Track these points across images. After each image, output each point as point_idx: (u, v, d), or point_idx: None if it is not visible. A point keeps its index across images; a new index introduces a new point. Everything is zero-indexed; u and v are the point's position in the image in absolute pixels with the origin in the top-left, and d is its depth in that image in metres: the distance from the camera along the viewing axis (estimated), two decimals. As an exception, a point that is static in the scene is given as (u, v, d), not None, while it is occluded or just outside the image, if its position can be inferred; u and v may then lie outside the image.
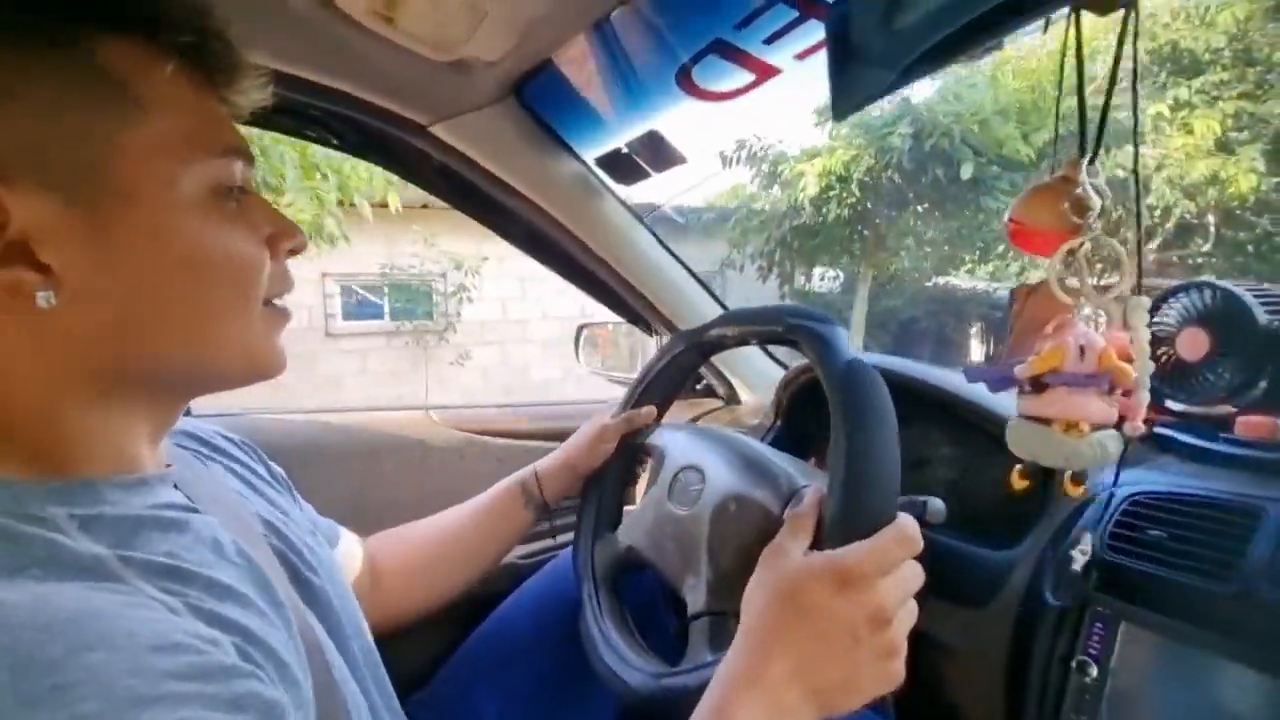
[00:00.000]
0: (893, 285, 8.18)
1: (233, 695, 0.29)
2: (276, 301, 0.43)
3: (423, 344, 6.25)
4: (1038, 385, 0.45)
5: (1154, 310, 0.67)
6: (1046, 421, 0.45)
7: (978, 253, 7.80)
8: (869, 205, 6.50)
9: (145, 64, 0.35)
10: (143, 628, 0.29)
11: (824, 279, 8.55)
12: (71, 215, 0.33)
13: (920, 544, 0.46)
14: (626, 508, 0.78)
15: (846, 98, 0.52)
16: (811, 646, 0.42)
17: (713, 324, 0.76)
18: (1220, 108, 5.57)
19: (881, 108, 6.14)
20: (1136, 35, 0.35)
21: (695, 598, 0.56)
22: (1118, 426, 0.46)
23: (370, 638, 0.55)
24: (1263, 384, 0.57)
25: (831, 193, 6.46)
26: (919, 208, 6.68)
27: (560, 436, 1.07)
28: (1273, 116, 5.54)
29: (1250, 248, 6.36)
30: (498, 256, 6.22)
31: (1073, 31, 0.40)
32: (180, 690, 0.27)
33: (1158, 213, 5.76)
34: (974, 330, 8.69)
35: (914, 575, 0.46)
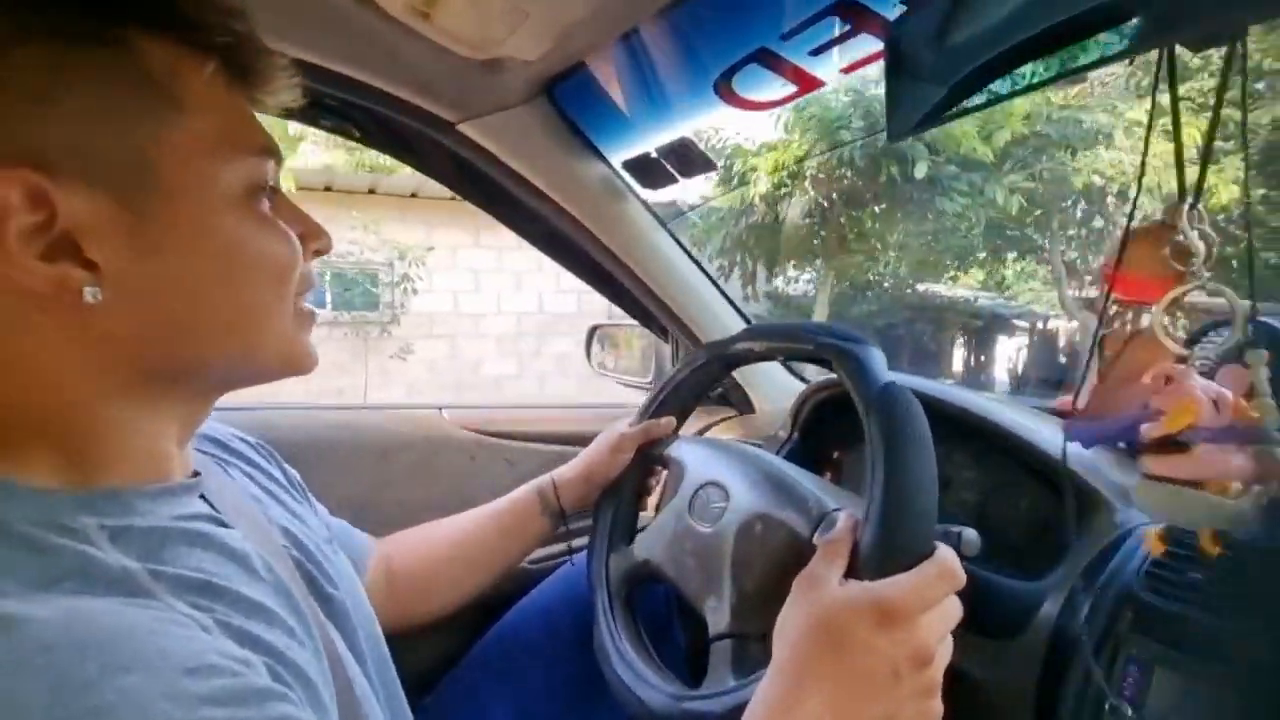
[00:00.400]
0: (872, 291, 8.01)
1: (265, 719, 0.28)
2: (302, 302, 0.43)
3: (363, 335, 6.08)
4: (1168, 445, 0.42)
5: (1192, 343, 0.65)
6: (1192, 483, 0.42)
7: (957, 260, 7.65)
8: (824, 203, 6.13)
9: (185, 65, 0.36)
10: (177, 647, 0.28)
11: (794, 281, 8.30)
12: (117, 212, 0.33)
13: (963, 578, 0.45)
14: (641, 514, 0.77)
15: (903, 116, 0.50)
16: (850, 683, 0.41)
17: (738, 337, 0.74)
18: (1206, 116, 5.47)
19: (839, 98, 5.86)
20: (1245, 75, 0.33)
21: (717, 619, 0.55)
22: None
23: (385, 647, 0.54)
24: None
25: (784, 189, 6.15)
26: (877, 208, 6.40)
27: (572, 440, 1.06)
28: (1260, 126, 5.42)
29: (1235, 263, 6.31)
30: (449, 247, 6.12)
31: (1164, 69, 0.38)
32: (215, 716, 0.27)
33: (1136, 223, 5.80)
34: (952, 339, 8.55)
35: (954, 610, 0.45)
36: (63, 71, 0.32)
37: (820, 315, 7.03)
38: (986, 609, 0.65)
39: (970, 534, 0.57)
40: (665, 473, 0.75)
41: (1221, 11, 0.39)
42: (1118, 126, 5.59)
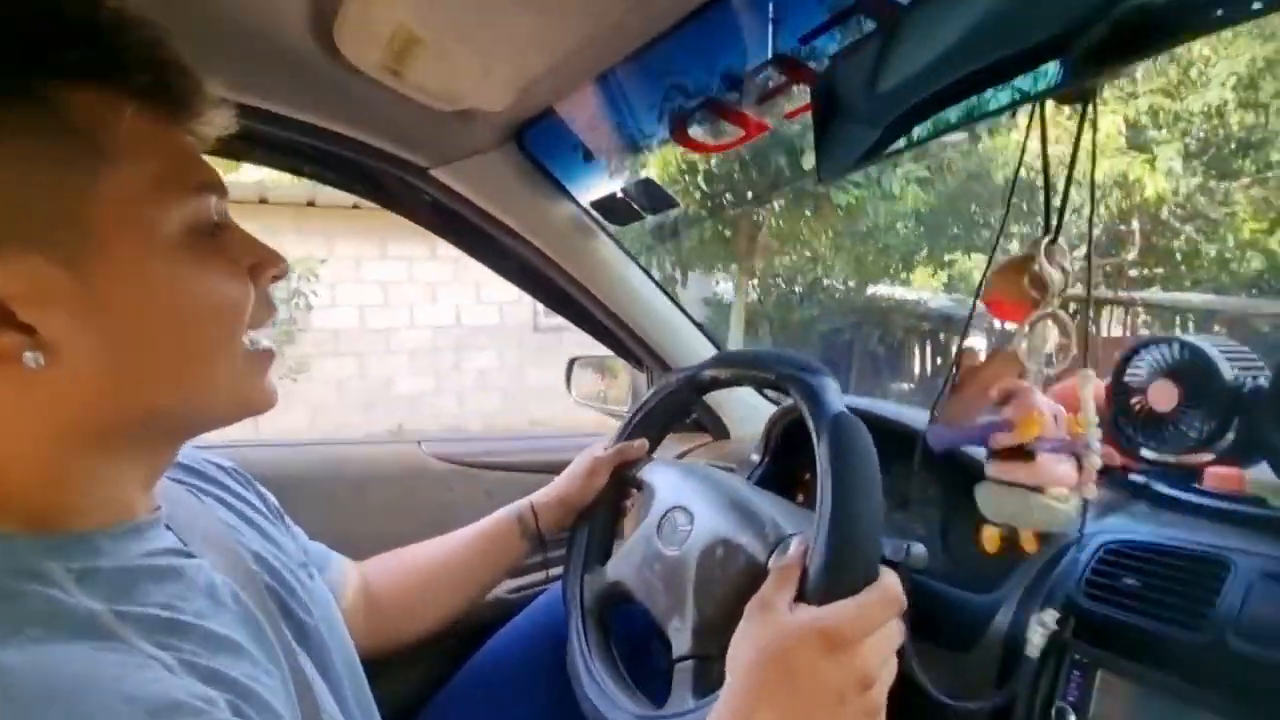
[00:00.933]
0: (817, 295, 7.57)
1: None
2: (263, 340, 0.42)
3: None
4: (1015, 453, 0.47)
5: (1126, 361, 0.69)
6: (1030, 487, 0.47)
7: (900, 260, 7.31)
8: (722, 200, 5.56)
9: (105, 110, 0.35)
10: (141, 691, 0.29)
11: (719, 283, 7.75)
12: (52, 273, 0.33)
13: (904, 603, 0.47)
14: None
15: (833, 159, 0.55)
16: (797, 706, 0.42)
17: (707, 364, 0.78)
18: (1135, 105, 5.26)
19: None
20: (1095, 128, 0.38)
21: (680, 641, 0.57)
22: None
23: (361, 673, 0.55)
24: (1231, 436, 0.59)
25: (677, 186, 5.40)
26: (778, 204, 5.85)
27: (551, 469, 1.07)
28: (1192, 115, 5.26)
29: (1178, 256, 6.15)
30: (352, 259, 5.65)
31: (1037, 120, 0.43)
32: None
33: (1070, 214, 5.50)
34: (901, 344, 8.04)
35: (896, 633, 0.47)
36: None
37: (736, 323, 6.52)
38: (943, 622, 0.68)
39: (918, 549, 0.60)
40: (639, 494, 0.77)
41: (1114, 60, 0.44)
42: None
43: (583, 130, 0.82)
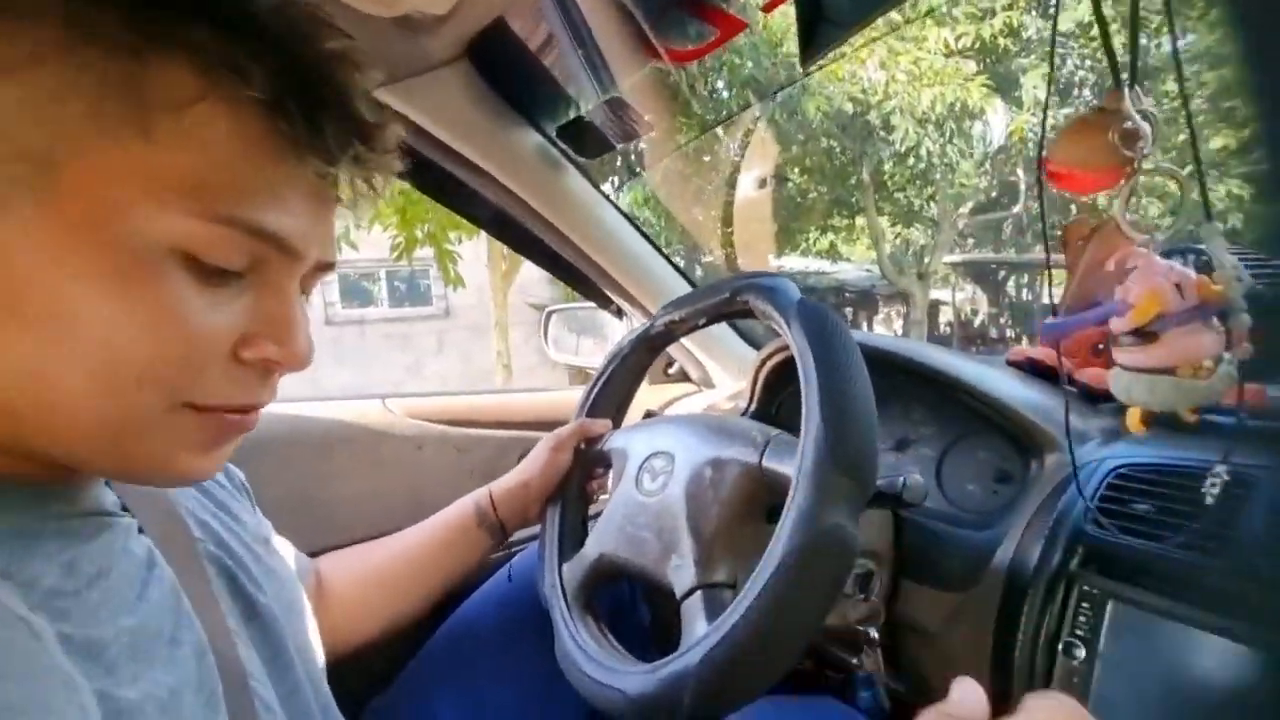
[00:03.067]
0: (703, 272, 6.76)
1: None
2: (229, 414, 0.34)
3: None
4: (1143, 334, 0.41)
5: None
6: (1165, 370, 0.41)
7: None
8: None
9: (195, 97, 0.29)
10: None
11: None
12: None
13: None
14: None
15: (814, 43, 0.48)
16: None
17: (658, 315, 0.73)
18: (991, 24, 4.65)
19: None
20: None
21: (682, 577, 0.53)
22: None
23: (319, 658, 0.51)
24: (1249, 348, 0.55)
25: None
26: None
27: (521, 425, 1.03)
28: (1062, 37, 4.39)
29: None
30: None
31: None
32: None
33: (908, 155, 4.68)
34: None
35: None
36: (44, 56, 0.28)
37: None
38: (942, 561, 0.64)
39: (916, 479, 0.56)
40: (607, 474, 0.73)
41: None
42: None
43: (537, 43, 0.74)
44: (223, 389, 0.33)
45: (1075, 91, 5.17)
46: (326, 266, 0.36)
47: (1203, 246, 0.59)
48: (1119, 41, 0.42)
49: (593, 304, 1.15)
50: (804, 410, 0.49)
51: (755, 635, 0.43)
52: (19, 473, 0.32)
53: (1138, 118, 0.38)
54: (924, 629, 0.64)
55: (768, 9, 0.57)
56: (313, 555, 0.66)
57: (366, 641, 0.64)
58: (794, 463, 0.49)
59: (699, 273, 6.04)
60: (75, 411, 0.30)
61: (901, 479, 0.55)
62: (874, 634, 0.65)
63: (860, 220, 6.40)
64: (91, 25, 0.28)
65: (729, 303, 0.65)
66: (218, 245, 0.31)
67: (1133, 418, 0.45)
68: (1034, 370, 0.77)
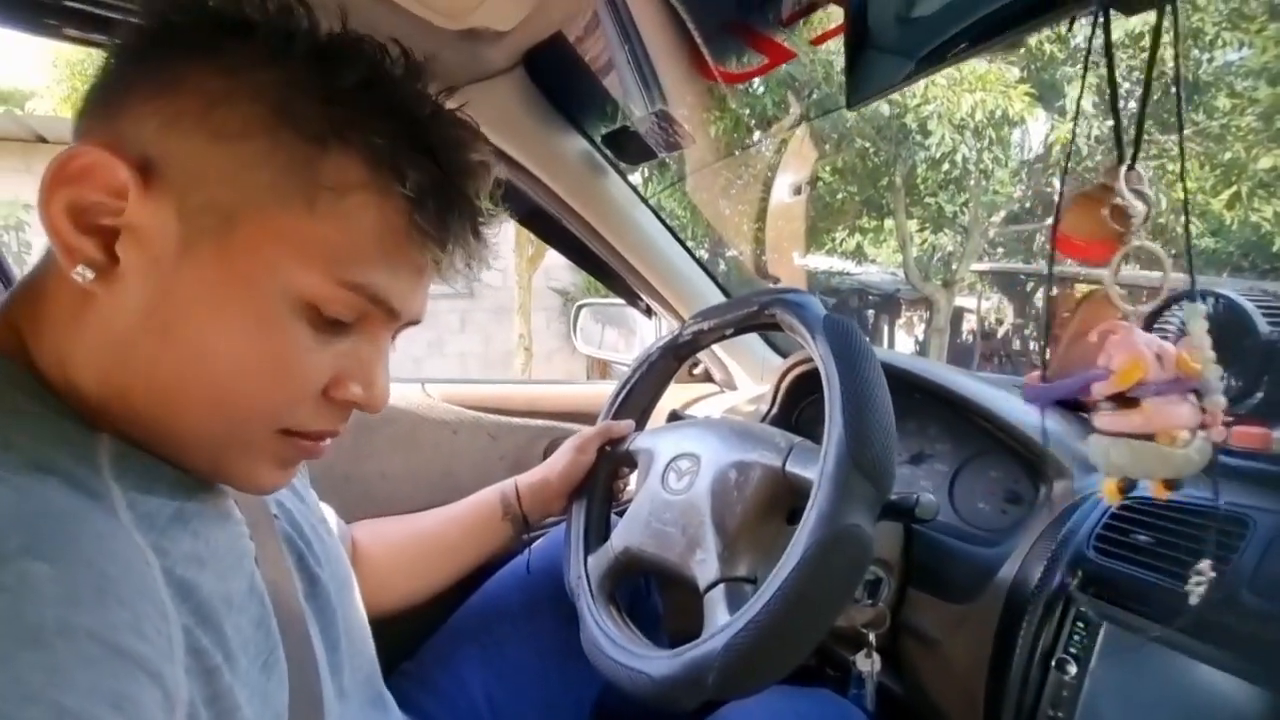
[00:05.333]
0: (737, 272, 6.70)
1: (120, 693, 0.25)
2: (309, 440, 0.39)
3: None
4: (1121, 401, 0.44)
5: (1156, 315, 0.66)
6: (1143, 436, 0.44)
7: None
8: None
9: (359, 185, 0.34)
10: (109, 566, 0.28)
11: None
12: (173, 230, 0.33)
13: None
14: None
15: (861, 86, 0.51)
16: None
17: (686, 324, 0.76)
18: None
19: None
20: (1177, 36, 0.34)
21: (705, 571, 0.57)
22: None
23: (366, 639, 0.55)
24: (1260, 394, 0.57)
25: None
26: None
27: (553, 415, 1.07)
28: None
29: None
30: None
31: (1100, 33, 0.39)
32: (85, 652, 0.25)
33: (943, 161, 4.67)
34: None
35: None
36: (252, 131, 0.33)
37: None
38: (948, 572, 0.67)
39: (928, 498, 0.59)
40: (633, 473, 0.77)
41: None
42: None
43: (593, 57, 0.78)
44: (312, 420, 0.38)
45: (1122, 103, 5.05)
46: (414, 322, 0.41)
47: (1224, 292, 0.61)
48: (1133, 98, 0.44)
49: (621, 300, 1.19)
50: (827, 418, 0.52)
51: (776, 624, 0.47)
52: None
53: (1130, 196, 0.40)
54: (927, 636, 0.68)
55: (816, 43, 0.59)
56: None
57: (391, 609, 0.69)
58: (816, 468, 0.52)
59: (721, 266, 6.04)
60: (192, 427, 0.35)
61: (915, 496, 0.58)
62: (873, 638, 0.69)
63: (889, 223, 6.35)
64: (293, 112, 0.33)
65: (757, 315, 0.68)
66: (339, 303, 0.36)
67: (1109, 487, 0.48)
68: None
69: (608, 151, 0.90)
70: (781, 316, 0.64)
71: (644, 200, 0.96)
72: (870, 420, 0.51)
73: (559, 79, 0.81)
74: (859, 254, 6.91)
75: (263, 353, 0.35)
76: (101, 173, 0.32)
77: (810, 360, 0.92)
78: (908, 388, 0.79)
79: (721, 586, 0.56)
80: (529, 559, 0.79)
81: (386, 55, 0.37)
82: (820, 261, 6.96)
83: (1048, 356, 0.50)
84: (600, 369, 5.55)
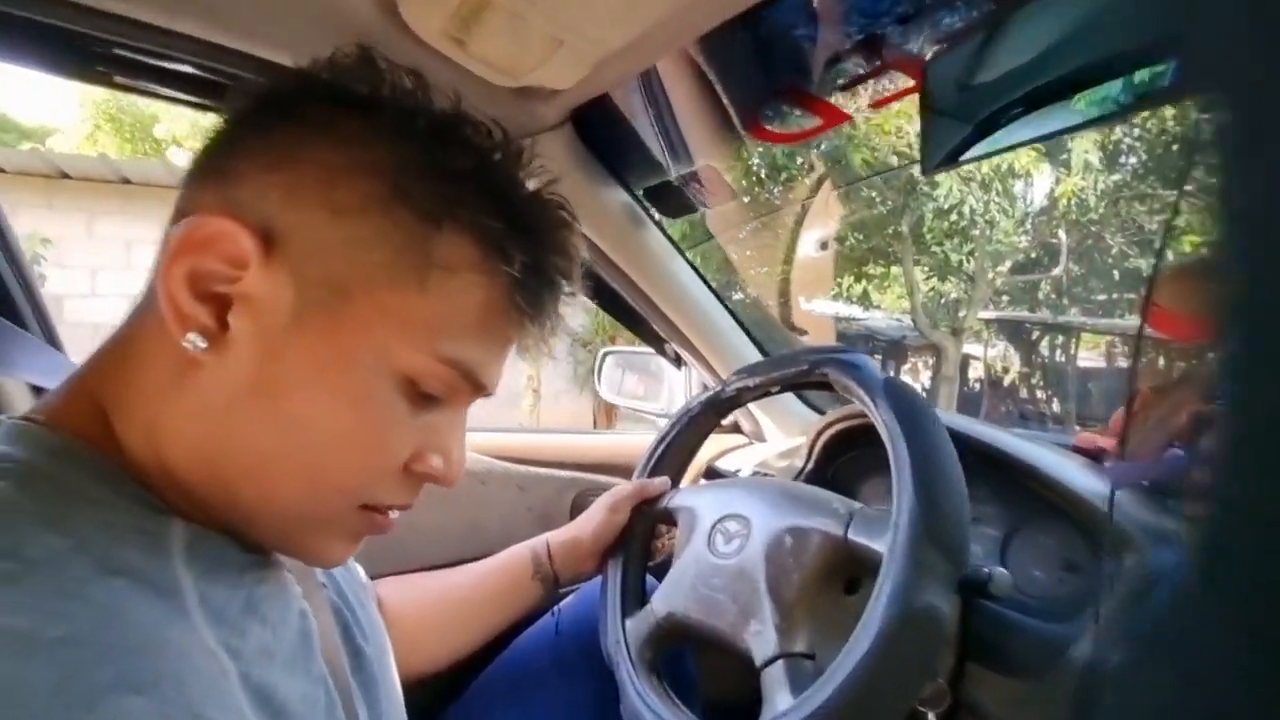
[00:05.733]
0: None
1: None
2: (382, 513, 0.39)
3: None
4: None
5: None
6: None
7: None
8: None
9: (470, 265, 0.35)
10: (194, 684, 0.27)
11: None
12: (288, 304, 0.33)
13: None
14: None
15: (934, 151, 0.51)
16: None
17: (730, 380, 0.75)
18: None
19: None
20: None
21: (762, 644, 0.54)
22: None
23: (401, 702, 0.53)
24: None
25: None
26: None
27: (583, 466, 1.05)
28: None
29: (1109, 262, 5.47)
30: (58, 238, 4.84)
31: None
32: None
33: (951, 211, 4.73)
34: None
35: None
36: (370, 208, 0.33)
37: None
38: (1010, 648, 0.64)
39: (1001, 573, 0.57)
40: (669, 531, 0.74)
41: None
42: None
43: (640, 115, 0.79)
44: (392, 493, 0.38)
45: (1122, 159, 5.17)
46: (490, 394, 0.41)
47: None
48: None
49: (650, 349, 1.18)
50: (895, 487, 0.50)
51: (845, 712, 0.45)
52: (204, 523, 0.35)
53: None
54: (989, 715, 0.64)
55: (875, 106, 0.60)
56: (373, 578, 0.68)
57: (419, 671, 0.66)
58: (883, 538, 0.50)
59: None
60: (277, 500, 0.35)
61: (986, 570, 0.56)
62: (933, 717, 0.65)
63: (895, 269, 6.43)
64: (410, 191, 0.34)
65: (807, 374, 0.67)
66: (436, 378, 0.36)
67: None
68: (1101, 458, 0.77)
69: (649, 204, 0.91)
70: (835, 377, 0.63)
71: (681, 253, 0.96)
72: (943, 490, 0.49)
73: (604, 134, 0.82)
74: (865, 300, 6.98)
75: (360, 425, 0.34)
76: (225, 242, 0.32)
77: (851, 418, 0.90)
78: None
79: (781, 663, 0.53)
80: (557, 619, 0.76)
81: (490, 136, 0.38)
82: (827, 307, 7.03)
83: (1122, 429, 0.48)
84: (607, 413, 5.52)
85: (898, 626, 0.45)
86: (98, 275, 5.08)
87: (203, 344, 0.32)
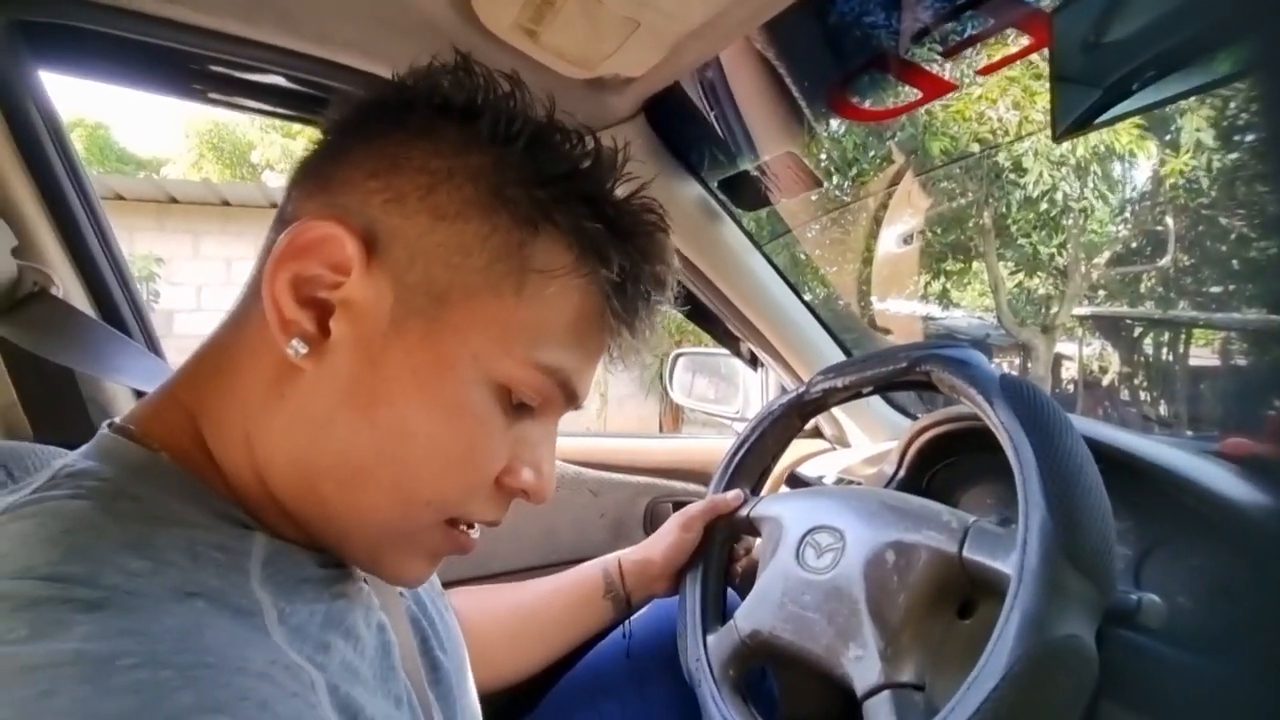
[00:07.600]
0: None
1: None
2: (465, 528, 0.38)
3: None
4: None
5: None
6: None
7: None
8: None
9: (566, 269, 0.35)
10: (277, 705, 0.25)
11: None
12: (388, 308, 0.32)
13: None
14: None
15: (1065, 118, 0.45)
16: None
17: (815, 380, 0.69)
18: None
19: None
20: None
21: (864, 671, 0.49)
22: None
23: (479, 717, 0.51)
24: None
25: None
26: None
27: (655, 471, 1.02)
28: None
29: (1225, 250, 4.79)
30: (169, 257, 5.29)
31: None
32: None
33: (1041, 200, 4.33)
34: None
35: None
36: (469, 212, 0.33)
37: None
38: (1156, 688, 0.56)
39: (1153, 601, 0.50)
40: (755, 542, 0.70)
41: None
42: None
43: (714, 102, 0.75)
44: (482, 509, 0.36)
45: (1238, 136, 4.66)
46: (579, 405, 0.40)
47: None
48: None
49: (723, 350, 1.14)
50: (1022, 498, 0.44)
51: None
52: (289, 537, 0.35)
53: None
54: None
55: (984, 72, 0.54)
56: (448, 584, 0.67)
57: (489, 686, 0.65)
58: (1009, 558, 0.44)
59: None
60: (367, 512, 0.33)
61: (1136, 597, 0.49)
62: None
63: (976, 265, 6.07)
64: (508, 195, 0.33)
65: (905, 373, 0.61)
66: (531, 386, 0.35)
67: None
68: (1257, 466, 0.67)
69: (724, 197, 0.87)
70: (939, 375, 0.56)
71: (759, 248, 0.92)
72: (1082, 503, 0.43)
73: (677, 126, 0.79)
74: (944, 298, 6.63)
75: (456, 434, 0.33)
76: (330, 246, 0.32)
77: (951, 421, 0.83)
78: None
79: (887, 694, 0.47)
80: (629, 630, 0.74)
81: (583, 141, 0.37)
82: (903, 305, 6.76)
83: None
84: (674, 417, 5.47)
85: (1034, 662, 0.39)
86: (202, 291, 5.54)
87: (305, 350, 0.32)
